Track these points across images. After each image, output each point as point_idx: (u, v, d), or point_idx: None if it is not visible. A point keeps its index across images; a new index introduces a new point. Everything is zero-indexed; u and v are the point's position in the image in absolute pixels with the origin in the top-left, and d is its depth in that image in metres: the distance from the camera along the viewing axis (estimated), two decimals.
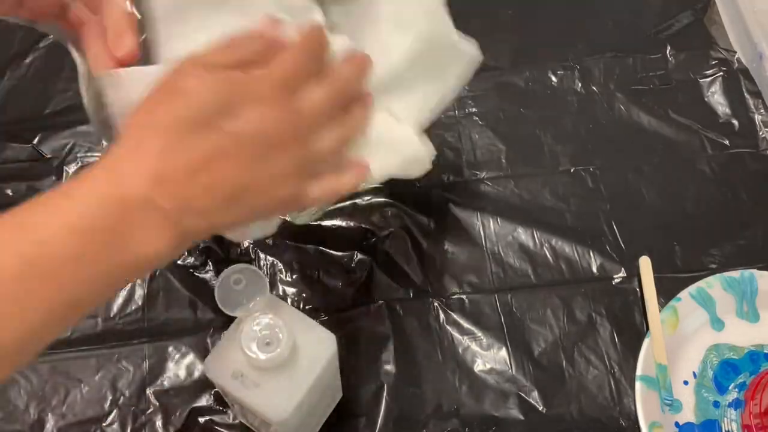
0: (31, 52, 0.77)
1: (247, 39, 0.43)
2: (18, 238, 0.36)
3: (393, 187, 0.70)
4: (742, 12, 0.77)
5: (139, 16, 0.45)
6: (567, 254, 0.68)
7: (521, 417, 0.61)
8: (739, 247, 0.68)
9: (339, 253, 0.67)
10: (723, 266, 0.66)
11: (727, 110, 0.75)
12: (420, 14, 0.50)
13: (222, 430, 0.60)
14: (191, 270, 0.66)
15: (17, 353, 0.37)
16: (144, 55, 0.46)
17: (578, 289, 0.66)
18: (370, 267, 0.66)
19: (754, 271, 0.65)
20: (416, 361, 0.63)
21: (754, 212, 0.70)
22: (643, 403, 0.60)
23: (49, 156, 0.72)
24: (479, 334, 0.64)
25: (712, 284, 0.65)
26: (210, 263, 0.66)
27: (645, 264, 0.66)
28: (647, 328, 0.63)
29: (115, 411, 0.61)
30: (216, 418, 0.60)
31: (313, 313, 0.64)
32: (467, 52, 0.53)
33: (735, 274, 0.65)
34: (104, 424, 0.60)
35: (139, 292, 0.65)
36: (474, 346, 0.64)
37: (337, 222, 0.68)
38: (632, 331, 0.64)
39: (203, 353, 0.62)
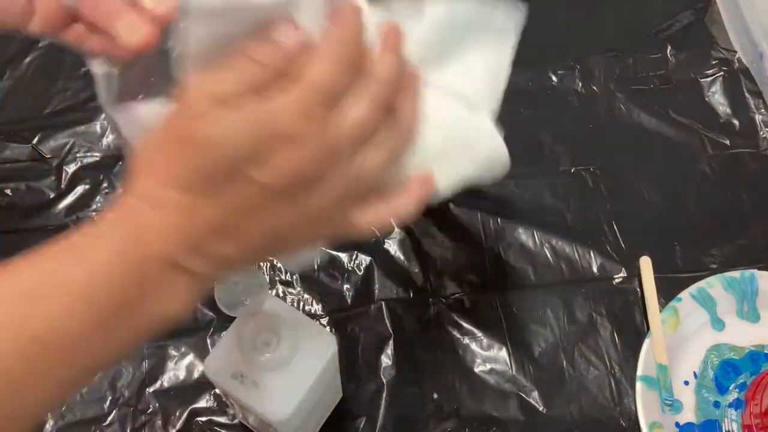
0: (31, 52, 0.77)
1: (266, 53, 0.35)
2: (25, 314, 0.32)
3: None
4: (742, 11, 0.77)
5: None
6: (567, 254, 0.67)
7: (521, 417, 0.61)
8: (739, 247, 0.68)
9: (339, 253, 0.67)
10: (724, 266, 0.66)
11: (728, 110, 0.75)
12: None
13: (222, 430, 0.60)
14: None
15: (24, 420, 0.34)
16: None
17: (578, 289, 0.66)
18: (370, 267, 0.66)
19: (755, 271, 0.65)
20: (416, 361, 0.63)
21: (754, 212, 0.70)
22: (644, 404, 0.60)
23: (48, 156, 0.72)
24: (479, 334, 0.64)
25: (713, 284, 0.65)
26: None
27: (645, 264, 0.66)
28: (648, 328, 0.63)
29: (114, 411, 0.60)
30: (216, 418, 0.60)
31: (313, 313, 0.64)
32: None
33: (736, 274, 0.65)
34: (104, 425, 0.60)
35: None
36: (474, 347, 0.64)
37: None
38: (633, 331, 0.64)
39: (203, 353, 0.62)
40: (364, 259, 0.67)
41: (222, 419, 0.60)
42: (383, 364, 0.62)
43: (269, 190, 0.35)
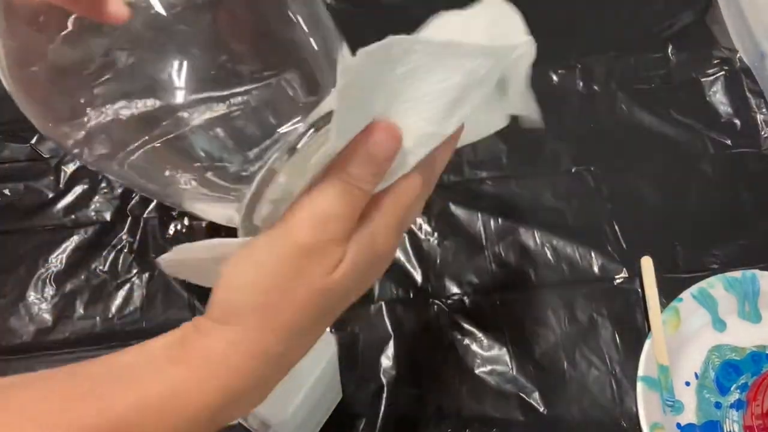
0: None
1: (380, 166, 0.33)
2: None
3: None
4: (743, 11, 0.77)
5: None
6: (568, 254, 0.67)
7: (522, 418, 0.61)
8: (741, 248, 0.67)
9: None
10: (725, 266, 0.66)
11: (729, 110, 0.75)
12: None
13: (222, 430, 0.60)
14: None
15: None
16: None
17: (579, 290, 0.66)
18: None
19: (756, 272, 0.65)
20: (416, 362, 0.63)
21: (756, 212, 0.70)
22: (645, 404, 0.60)
23: (47, 156, 0.72)
24: (479, 334, 0.64)
25: (714, 285, 0.64)
26: None
27: (646, 264, 0.66)
28: (649, 329, 0.63)
29: None
30: None
31: None
32: None
33: (737, 274, 0.65)
34: None
35: (138, 293, 0.65)
36: (474, 347, 0.63)
37: None
38: (633, 331, 0.64)
39: None
40: None
41: None
42: (383, 364, 0.62)
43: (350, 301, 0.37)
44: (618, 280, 0.66)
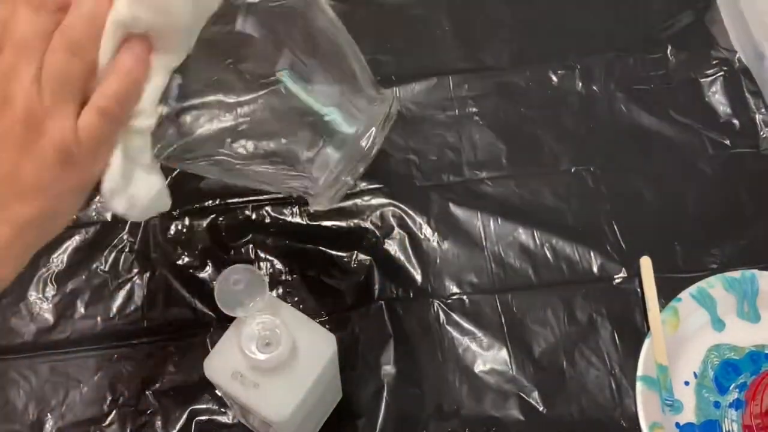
0: None
1: None
2: None
3: (393, 187, 0.70)
4: (743, 11, 0.77)
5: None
6: (567, 254, 0.67)
7: (521, 417, 0.61)
8: (740, 247, 0.68)
9: (339, 253, 0.67)
10: (724, 266, 0.66)
11: (728, 110, 0.75)
12: None
13: (222, 430, 0.60)
14: (191, 270, 0.66)
15: None
16: None
17: (579, 290, 0.66)
18: (370, 267, 0.66)
19: (755, 271, 0.65)
20: (416, 362, 0.63)
21: (755, 212, 0.70)
22: (644, 404, 0.60)
23: None
24: (479, 334, 0.64)
25: (713, 284, 0.64)
26: (210, 263, 0.66)
27: (646, 264, 0.66)
28: (648, 329, 0.63)
29: (114, 411, 0.60)
30: (216, 418, 0.60)
31: (313, 313, 0.63)
32: None
33: (736, 274, 0.65)
34: (104, 425, 0.60)
35: (139, 293, 0.65)
36: (474, 347, 0.63)
37: (337, 222, 0.68)
38: (633, 331, 0.64)
39: (203, 353, 0.62)
40: (364, 259, 0.66)
41: (222, 419, 0.60)
42: (383, 364, 0.62)
43: None
44: (617, 280, 0.66)
